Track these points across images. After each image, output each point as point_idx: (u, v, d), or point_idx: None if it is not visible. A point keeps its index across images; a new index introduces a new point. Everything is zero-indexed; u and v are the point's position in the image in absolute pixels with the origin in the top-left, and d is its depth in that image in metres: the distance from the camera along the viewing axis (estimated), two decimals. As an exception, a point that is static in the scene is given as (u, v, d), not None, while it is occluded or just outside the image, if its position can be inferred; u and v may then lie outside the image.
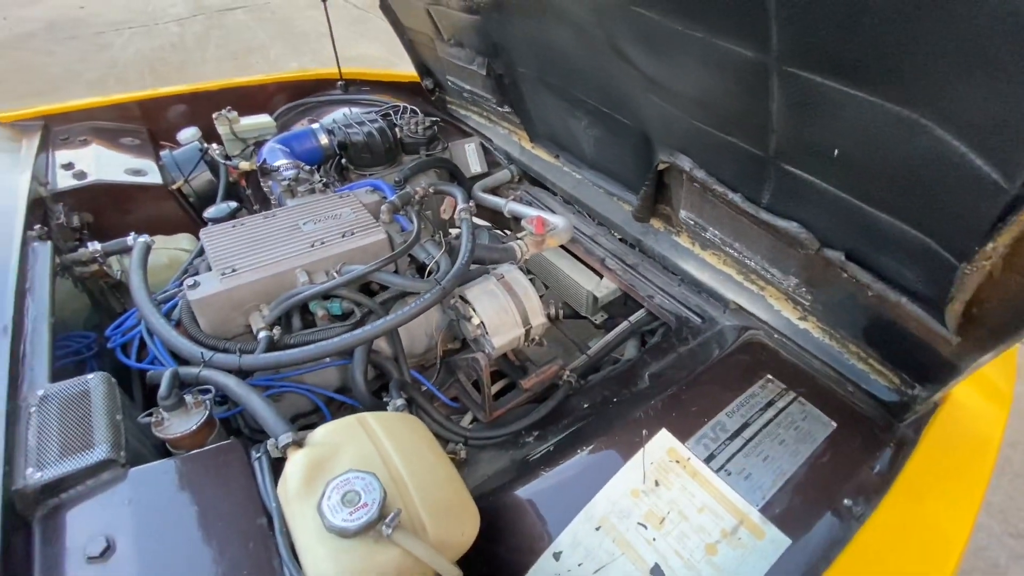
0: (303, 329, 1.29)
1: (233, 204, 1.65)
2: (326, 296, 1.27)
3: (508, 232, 2.41)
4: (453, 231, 2.46)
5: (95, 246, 1.46)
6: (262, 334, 1.21)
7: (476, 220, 2.24)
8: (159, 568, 0.80)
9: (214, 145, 1.96)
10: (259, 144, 2.09)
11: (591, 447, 1.09)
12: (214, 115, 1.97)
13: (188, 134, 2.07)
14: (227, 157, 2.01)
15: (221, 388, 1.07)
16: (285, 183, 1.57)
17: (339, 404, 1.37)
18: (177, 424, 1.00)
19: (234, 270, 1.25)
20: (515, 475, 1.25)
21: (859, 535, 0.90)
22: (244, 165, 1.75)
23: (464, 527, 0.93)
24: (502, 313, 1.32)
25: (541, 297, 1.38)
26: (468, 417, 1.49)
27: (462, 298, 1.35)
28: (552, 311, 1.46)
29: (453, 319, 1.43)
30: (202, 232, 1.38)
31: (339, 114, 2.30)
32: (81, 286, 1.50)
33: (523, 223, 1.65)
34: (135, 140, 2.11)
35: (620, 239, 1.99)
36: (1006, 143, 0.64)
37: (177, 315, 1.28)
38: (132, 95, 2.31)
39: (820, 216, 1.07)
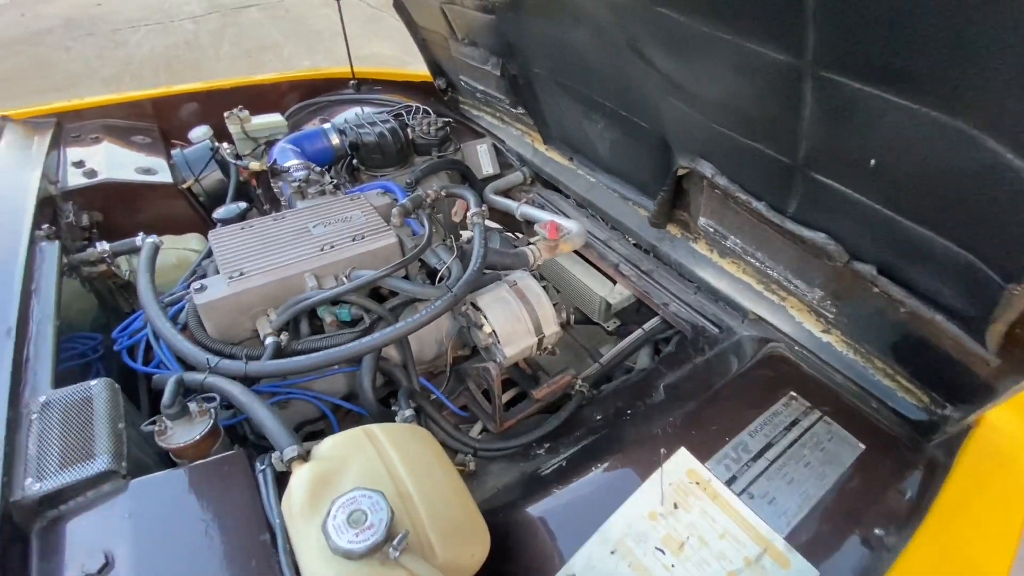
0: (311, 335, 1.26)
1: (243, 205, 1.63)
2: (335, 302, 1.24)
3: (520, 235, 2.37)
4: (464, 234, 2.43)
5: (103, 246, 1.45)
6: (269, 340, 1.18)
7: (488, 223, 2.21)
8: (159, 587, 0.77)
9: (225, 144, 1.94)
10: (270, 143, 2.07)
11: (606, 464, 1.05)
12: (225, 114, 1.95)
13: (199, 133, 2.05)
14: (238, 156, 1.99)
15: (226, 396, 1.05)
16: (295, 184, 1.55)
17: (346, 411, 1.35)
18: (180, 433, 0.97)
19: (242, 273, 1.22)
20: (526, 490, 1.21)
21: (893, 569, 0.85)
22: (254, 165, 1.73)
23: (474, 548, 0.89)
24: (514, 322, 1.28)
25: (555, 306, 1.34)
26: (477, 427, 1.46)
27: (473, 305, 1.31)
28: (564, 317, 1.42)
29: (464, 326, 1.39)
30: (211, 234, 1.36)
31: (351, 114, 2.28)
32: (89, 286, 1.48)
33: (536, 227, 1.61)
34: (146, 138, 2.09)
35: (634, 244, 1.94)
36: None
37: (184, 319, 1.26)
38: (145, 93, 2.30)
39: (850, 227, 1.02)
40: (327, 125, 1.94)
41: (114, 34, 7.51)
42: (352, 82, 2.52)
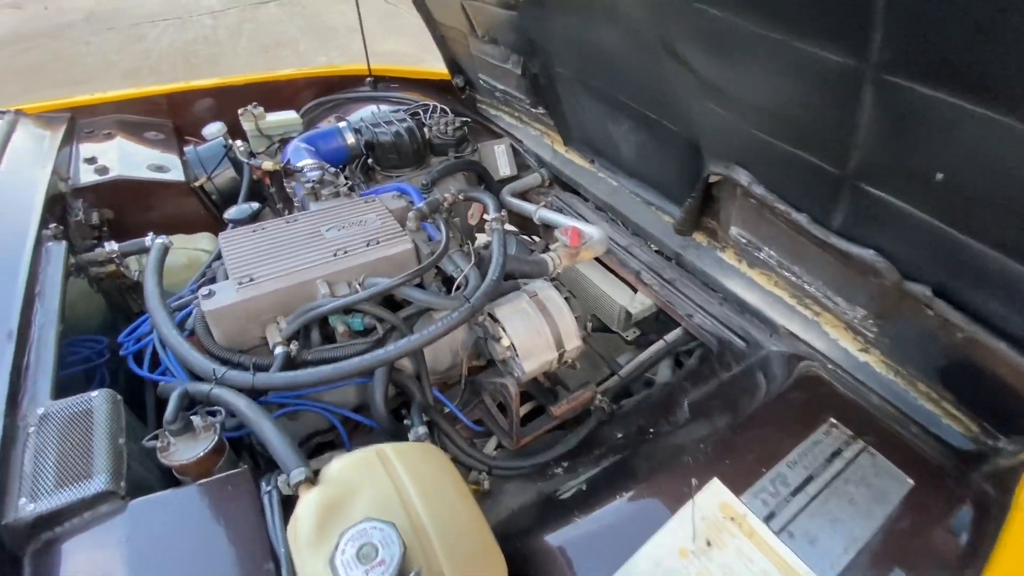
0: (322, 344, 1.21)
1: (255, 205, 1.59)
2: (347, 310, 1.19)
3: (536, 238, 2.30)
4: (480, 236, 2.37)
5: (112, 246, 1.41)
6: (278, 349, 1.13)
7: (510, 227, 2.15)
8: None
9: (238, 142, 1.90)
10: (284, 141, 2.03)
11: (631, 493, 0.98)
12: (240, 111, 1.91)
13: (213, 129, 2.02)
14: (251, 154, 1.95)
15: (232, 410, 1.00)
16: (309, 185, 1.50)
17: (356, 422, 1.29)
18: (183, 450, 0.92)
19: (252, 279, 1.17)
20: (544, 514, 1.15)
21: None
22: (267, 165, 1.68)
23: (490, 582, 0.83)
24: (534, 335, 1.22)
25: (577, 318, 1.27)
26: (492, 442, 1.40)
27: (491, 316, 1.25)
28: (582, 319, 1.35)
29: (480, 336, 1.33)
30: (221, 236, 1.31)
31: (367, 112, 2.23)
32: (96, 286, 1.44)
33: (556, 233, 1.54)
34: (160, 134, 2.06)
35: (656, 251, 1.86)
36: None
37: (191, 324, 1.21)
38: (159, 88, 2.27)
39: (904, 245, 0.94)
40: (342, 124, 1.89)
41: (134, 28, 7.57)
42: (368, 79, 2.47)
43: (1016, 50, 0.57)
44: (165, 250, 1.34)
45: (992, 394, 1.01)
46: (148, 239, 1.39)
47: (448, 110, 2.15)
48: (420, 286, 1.31)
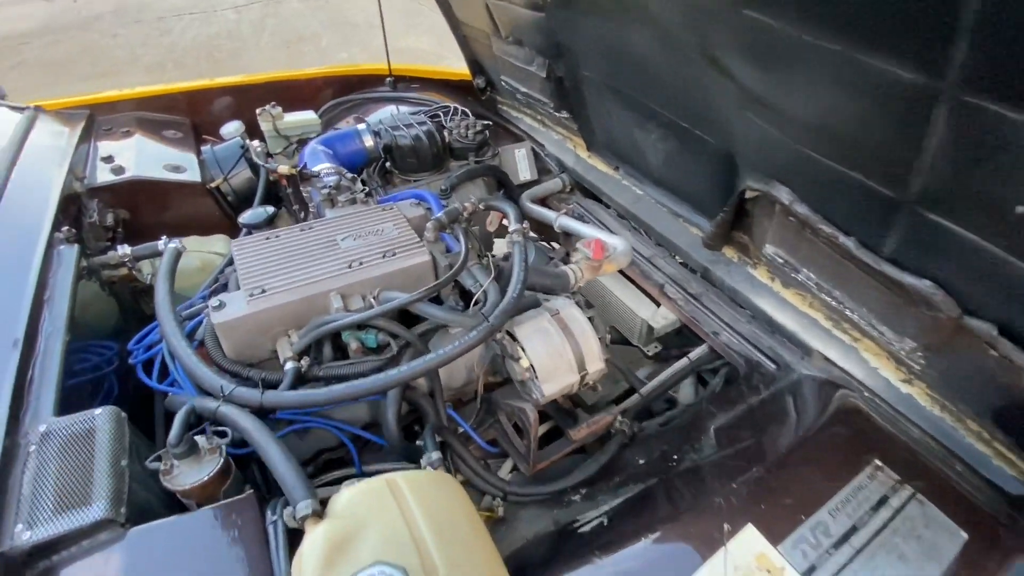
0: (334, 359, 1.17)
1: (270, 209, 1.55)
2: (361, 326, 1.14)
3: (555, 244, 2.24)
4: (498, 242, 2.31)
5: (124, 249, 1.38)
6: (289, 365, 1.08)
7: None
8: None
9: (255, 143, 1.86)
10: (302, 142, 1.99)
11: (657, 534, 0.92)
12: (258, 111, 1.87)
13: (231, 128, 1.99)
14: (268, 155, 1.92)
15: (239, 432, 0.95)
16: (325, 191, 1.45)
17: (367, 440, 1.25)
18: (188, 474, 0.88)
19: (263, 291, 1.13)
20: (561, 547, 1.09)
21: None
22: (283, 168, 1.64)
23: (505, 632, 0.78)
24: (555, 356, 1.16)
25: (600, 340, 1.21)
26: (507, 465, 1.34)
27: (510, 335, 1.19)
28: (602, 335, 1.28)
29: (497, 354, 1.28)
30: (233, 244, 1.27)
31: (387, 113, 2.18)
32: (108, 289, 1.42)
33: (579, 246, 1.47)
34: (177, 133, 2.04)
35: (681, 263, 1.79)
36: None
37: (201, 335, 1.18)
38: (179, 86, 2.25)
39: (966, 278, 0.85)
40: (361, 126, 1.84)
41: (160, 22, 7.65)
42: (388, 79, 2.42)
43: None
44: (178, 255, 1.31)
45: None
46: (161, 243, 1.36)
47: (469, 112, 2.09)
48: (437, 299, 1.26)
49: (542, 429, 1.42)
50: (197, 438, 0.92)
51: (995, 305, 0.85)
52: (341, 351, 1.19)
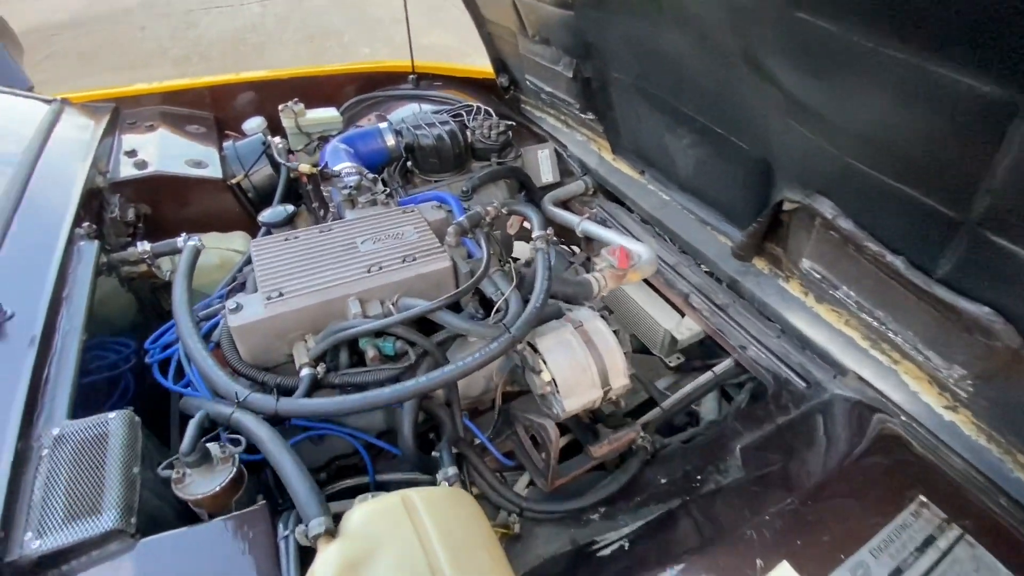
0: (350, 365, 1.14)
1: (290, 208, 1.53)
2: (379, 333, 1.11)
3: (575, 248, 2.19)
4: (518, 244, 2.26)
5: (144, 246, 1.37)
6: (305, 371, 1.06)
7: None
8: None
9: (277, 139, 1.85)
10: (323, 139, 1.97)
11: (682, 566, 0.87)
12: (280, 107, 1.86)
13: (253, 124, 1.97)
14: (290, 152, 1.90)
15: (253, 441, 0.93)
16: (346, 192, 1.42)
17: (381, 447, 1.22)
18: (200, 483, 0.86)
19: (281, 294, 1.11)
20: (578, 569, 1.05)
21: None
22: (304, 168, 1.62)
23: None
24: (578, 371, 1.11)
25: (626, 354, 1.16)
26: (524, 479, 1.30)
27: (532, 346, 1.15)
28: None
29: (517, 365, 1.24)
30: (252, 244, 1.25)
31: (409, 111, 2.15)
32: (127, 285, 1.41)
33: (603, 253, 1.43)
34: (201, 128, 2.04)
35: (707, 272, 1.73)
36: None
37: (217, 336, 1.16)
38: (203, 80, 2.25)
39: (1031, 305, 0.79)
40: (383, 124, 1.81)
41: (187, 15, 7.74)
42: (411, 76, 2.39)
43: None
44: (197, 253, 1.29)
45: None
46: (180, 240, 1.35)
47: (492, 112, 2.05)
48: (457, 306, 1.23)
49: (563, 442, 1.38)
50: (210, 446, 0.90)
51: (1062, 337, 0.78)
52: (358, 357, 1.17)
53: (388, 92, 2.38)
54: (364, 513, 0.81)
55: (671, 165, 1.74)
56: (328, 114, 1.98)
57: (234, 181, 1.86)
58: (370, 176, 1.48)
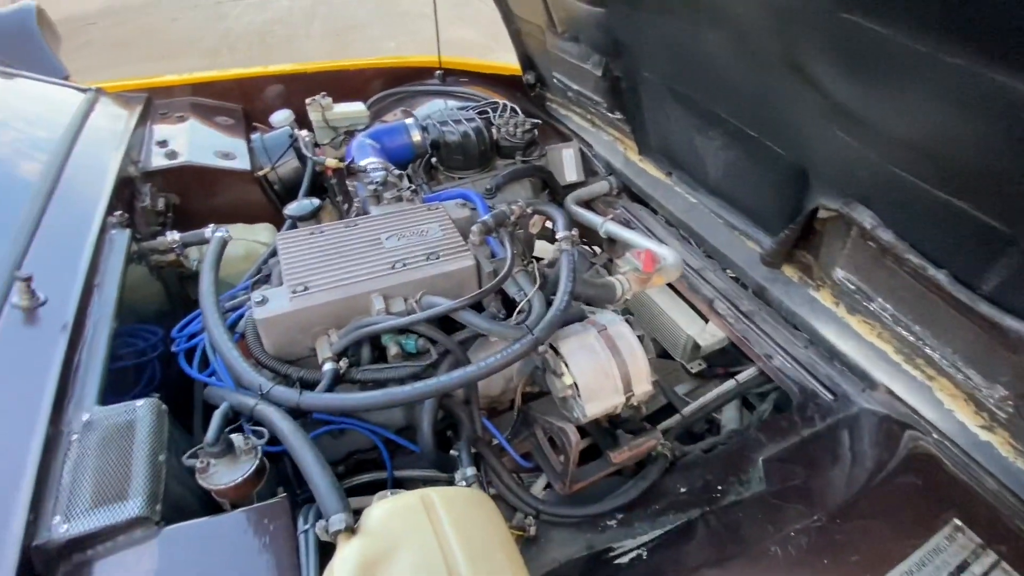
0: (372, 361, 1.14)
1: (316, 202, 1.54)
2: (401, 330, 1.11)
3: (597, 249, 2.16)
4: (541, 244, 2.25)
5: (173, 236, 1.39)
6: (327, 366, 1.06)
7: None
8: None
9: (304, 133, 1.86)
10: (350, 133, 1.98)
11: (703, 579, 0.85)
12: (307, 101, 1.87)
13: (281, 117, 1.99)
14: (316, 145, 1.91)
15: (275, 434, 0.94)
16: (372, 187, 1.42)
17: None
18: (223, 473, 0.87)
19: (306, 288, 1.11)
20: (594, 573, 1.04)
21: None
22: (331, 162, 1.63)
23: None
24: (600, 376, 1.10)
25: (650, 360, 1.14)
26: (540, 482, 1.29)
27: (554, 349, 1.14)
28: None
29: (538, 367, 1.23)
30: (278, 237, 1.26)
31: (435, 107, 2.15)
32: (156, 274, 1.43)
33: (628, 256, 1.40)
34: (229, 119, 2.06)
35: (733, 278, 1.69)
36: None
37: (242, 327, 1.17)
38: (233, 73, 2.28)
39: (1084, 327, 0.75)
40: (409, 120, 1.81)
41: (217, 7, 7.86)
42: (438, 72, 2.39)
43: None
44: (224, 245, 1.31)
45: None
46: (208, 231, 1.37)
47: (518, 110, 2.04)
48: (479, 306, 1.22)
49: (582, 445, 1.36)
50: (234, 437, 0.90)
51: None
52: (380, 353, 1.17)
53: (414, 87, 2.38)
54: (384, 511, 0.81)
55: (700, 167, 1.71)
56: (355, 108, 1.98)
57: (261, 173, 1.88)
58: (396, 172, 1.48)
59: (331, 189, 1.96)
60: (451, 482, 1.08)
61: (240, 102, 2.22)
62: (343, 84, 2.24)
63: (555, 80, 2.20)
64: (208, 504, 0.90)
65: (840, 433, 1.25)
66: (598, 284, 1.33)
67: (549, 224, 1.80)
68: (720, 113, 1.36)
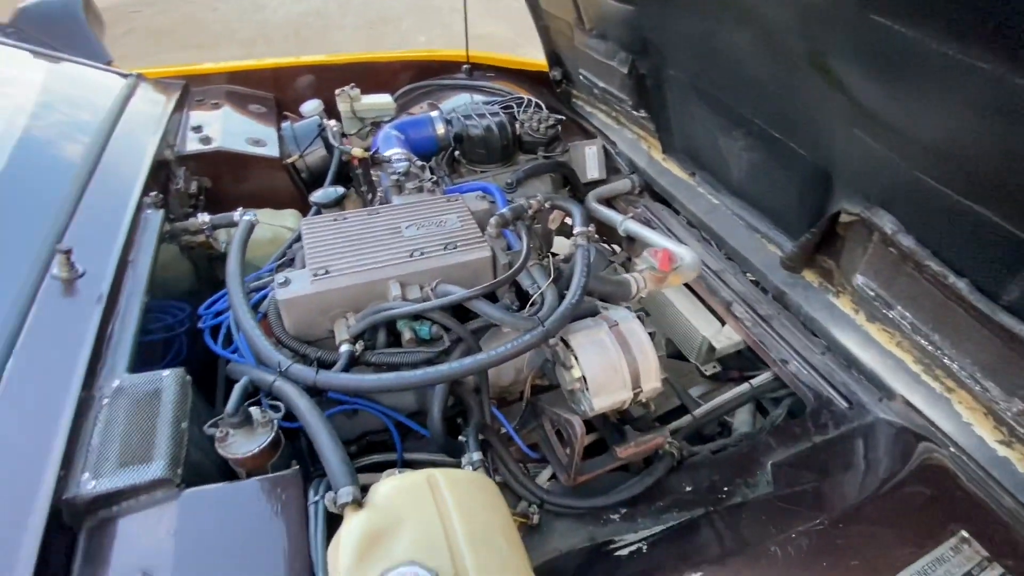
0: (387, 346, 1.17)
1: (340, 190, 1.58)
2: (416, 316, 1.14)
3: (616, 247, 2.16)
4: (558, 240, 2.26)
5: (204, 217, 1.45)
6: (344, 348, 1.10)
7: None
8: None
9: (332, 123, 1.91)
10: (376, 124, 2.02)
11: (700, 575, 0.86)
12: (337, 91, 1.91)
13: (311, 107, 2.04)
14: (344, 135, 1.96)
15: (292, 409, 0.98)
16: (394, 177, 1.46)
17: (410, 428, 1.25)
18: (240, 443, 0.91)
19: (327, 272, 1.15)
20: (593, 566, 1.05)
21: None
22: (357, 152, 1.67)
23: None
24: (609, 371, 1.11)
25: (660, 357, 1.15)
26: (546, 472, 1.31)
27: (564, 342, 1.15)
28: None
29: (548, 359, 1.24)
30: (303, 222, 1.30)
31: (461, 101, 2.17)
32: (187, 254, 1.49)
33: (645, 254, 1.40)
34: (262, 108, 2.12)
35: (753, 281, 1.68)
36: None
37: (265, 308, 1.21)
38: (267, 62, 2.34)
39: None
40: (434, 113, 1.84)
41: (256, -2, 8.03)
42: (465, 66, 2.42)
43: None
44: (251, 228, 1.35)
45: None
46: (237, 214, 1.42)
47: (543, 105, 2.05)
48: (493, 297, 1.24)
49: (588, 440, 1.37)
50: (252, 410, 0.95)
51: None
52: (395, 338, 1.20)
53: (441, 81, 2.41)
54: (390, 488, 0.83)
55: (723, 168, 1.70)
56: (382, 100, 2.02)
57: (289, 161, 1.93)
58: (418, 163, 1.51)
59: (356, 179, 2.00)
60: (458, 467, 1.10)
61: (273, 91, 2.29)
62: (372, 76, 2.28)
63: (581, 77, 2.20)
64: (225, 472, 0.95)
65: (853, 442, 1.24)
66: (613, 281, 1.34)
67: (569, 220, 1.81)
68: (744, 113, 1.35)
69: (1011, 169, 0.70)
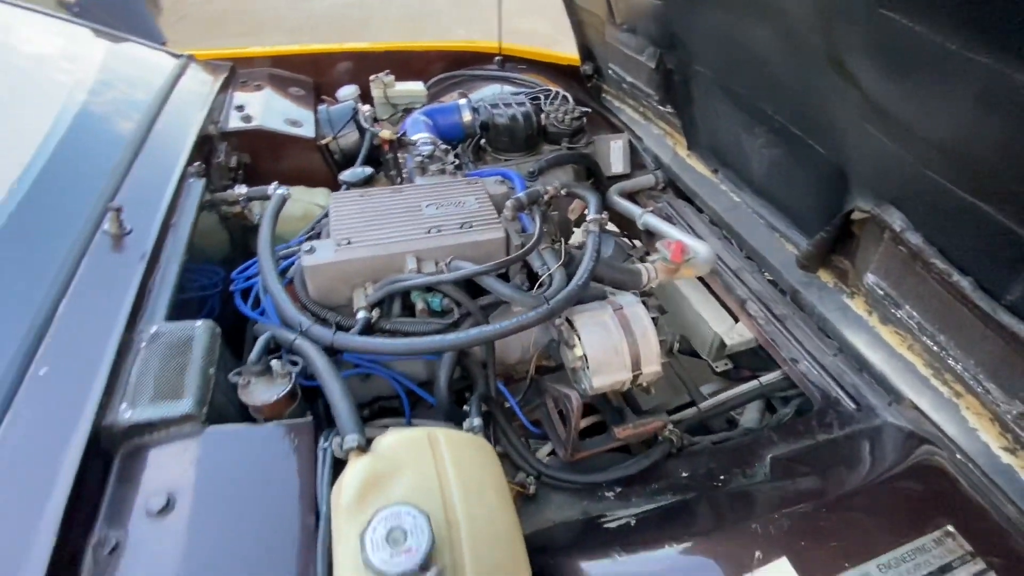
0: (401, 316, 1.24)
1: (369, 170, 1.66)
2: (429, 288, 1.20)
3: (637, 243, 2.18)
4: (576, 233, 2.29)
5: (241, 189, 1.54)
6: (361, 314, 1.17)
7: (610, 226, 2.05)
8: (205, 541, 0.79)
9: (365, 107, 1.99)
10: (408, 111, 2.09)
11: (683, 545, 0.89)
12: (371, 78, 1.99)
13: (346, 92, 2.13)
14: (375, 120, 2.04)
15: (309, 364, 1.05)
16: (419, 159, 1.52)
17: (420, 397, 1.32)
18: (260, 392, 0.99)
19: (349, 242, 1.22)
20: (584, 537, 1.10)
21: None
22: (385, 134, 1.74)
23: (512, 599, 0.80)
24: (611, 352, 1.14)
25: (662, 342, 1.18)
26: (546, 448, 1.35)
27: (569, 322, 1.19)
28: (668, 341, 1.24)
29: (553, 339, 1.28)
30: (331, 196, 1.38)
31: (491, 91, 2.23)
32: (224, 223, 1.60)
33: (658, 245, 1.43)
34: (301, 91, 2.23)
35: (770, 281, 1.68)
36: None
37: (292, 274, 1.30)
38: (308, 48, 2.45)
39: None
40: (463, 101, 1.90)
41: (303, -12, 8.27)
42: (497, 58, 2.47)
43: None
44: (283, 201, 1.44)
45: None
46: (271, 188, 1.51)
47: (569, 97, 2.08)
48: (505, 276, 1.29)
49: (588, 422, 1.41)
50: (273, 362, 1.02)
51: None
52: (408, 309, 1.27)
53: (473, 72, 2.47)
54: (393, 439, 0.90)
55: (745, 165, 1.70)
56: (414, 88, 2.10)
57: (323, 142, 2.03)
58: (442, 147, 1.57)
59: (386, 164, 2.08)
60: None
61: (312, 75, 2.39)
62: (407, 64, 2.36)
63: (611, 72, 2.22)
64: (245, 418, 1.03)
65: (858, 443, 1.24)
66: (624, 269, 1.37)
67: (587, 211, 1.85)
68: (766, 110, 1.36)
69: (1012, 166, 0.71)
